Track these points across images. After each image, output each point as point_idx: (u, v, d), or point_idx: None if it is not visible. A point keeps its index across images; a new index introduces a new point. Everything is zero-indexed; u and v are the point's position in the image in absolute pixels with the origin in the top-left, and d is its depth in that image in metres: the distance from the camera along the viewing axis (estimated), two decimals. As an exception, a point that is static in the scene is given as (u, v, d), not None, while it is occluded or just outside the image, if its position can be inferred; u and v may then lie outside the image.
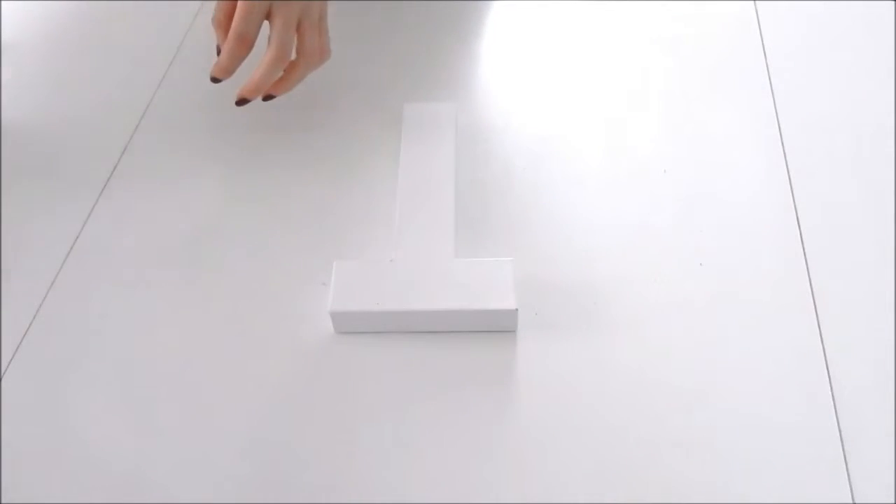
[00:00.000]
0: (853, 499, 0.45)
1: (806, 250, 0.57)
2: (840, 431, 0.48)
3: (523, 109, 0.69)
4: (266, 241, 0.61)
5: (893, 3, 0.76)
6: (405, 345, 0.53)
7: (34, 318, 0.57)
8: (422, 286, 0.54)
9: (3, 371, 0.54)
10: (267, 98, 0.61)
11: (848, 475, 0.46)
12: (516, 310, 0.52)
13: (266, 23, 0.59)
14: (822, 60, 0.72)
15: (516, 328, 0.53)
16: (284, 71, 0.60)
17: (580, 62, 0.73)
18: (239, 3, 0.58)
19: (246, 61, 0.60)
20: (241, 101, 0.60)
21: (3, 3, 0.86)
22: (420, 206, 0.59)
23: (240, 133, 0.70)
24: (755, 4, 0.78)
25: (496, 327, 0.53)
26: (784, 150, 0.64)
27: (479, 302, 0.52)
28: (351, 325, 0.54)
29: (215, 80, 0.60)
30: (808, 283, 0.55)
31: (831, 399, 0.49)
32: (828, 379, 0.50)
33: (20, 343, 0.56)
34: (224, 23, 0.60)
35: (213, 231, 0.62)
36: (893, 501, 0.45)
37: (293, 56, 0.60)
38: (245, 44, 0.58)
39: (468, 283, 0.53)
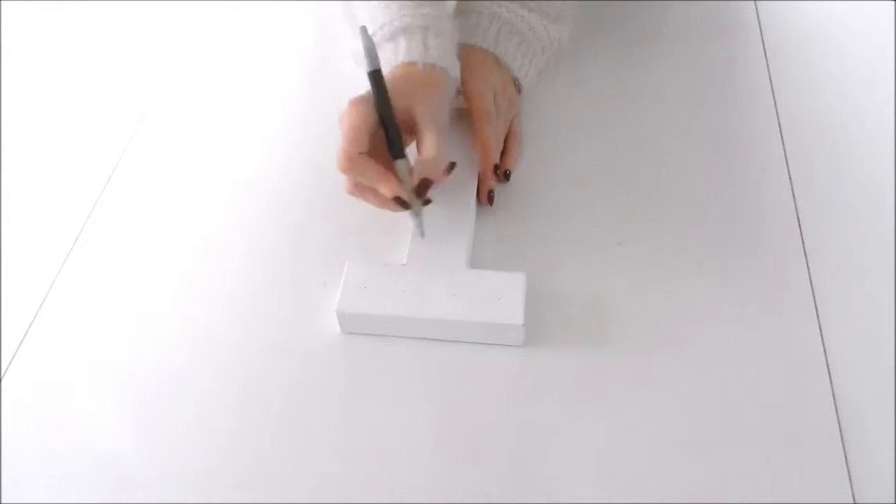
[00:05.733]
0: (853, 499, 0.45)
1: (806, 250, 0.57)
2: (840, 431, 0.48)
3: (532, 114, 0.69)
4: (280, 241, 0.61)
5: (893, 3, 0.76)
6: (411, 349, 0.53)
7: (34, 318, 0.57)
8: (431, 294, 0.53)
9: (3, 371, 0.54)
10: (507, 177, 0.62)
11: (848, 475, 0.46)
12: (523, 325, 0.52)
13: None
14: (822, 60, 0.72)
15: (522, 343, 0.53)
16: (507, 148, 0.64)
17: (580, 63, 0.72)
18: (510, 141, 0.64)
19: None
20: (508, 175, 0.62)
21: (2, 2, 0.86)
22: (438, 214, 0.58)
23: (244, 133, 0.70)
24: (755, 4, 0.78)
25: (502, 340, 0.53)
26: (784, 150, 0.64)
27: (486, 314, 0.52)
28: (357, 326, 0.54)
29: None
30: (809, 283, 0.55)
31: (831, 399, 0.49)
32: (828, 379, 0.50)
33: (20, 343, 0.56)
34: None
35: (215, 231, 0.62)
36: (893, 501, 0.45)
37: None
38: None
39: (478, 294, 0.53)
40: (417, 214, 0.54)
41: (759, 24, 0.76)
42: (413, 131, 0.55)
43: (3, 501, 0.48)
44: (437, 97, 0.57)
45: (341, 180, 0.54)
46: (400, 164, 0.54)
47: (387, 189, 0.52)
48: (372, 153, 0.53)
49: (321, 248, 0.60)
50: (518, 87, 0.66)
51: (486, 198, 0.60)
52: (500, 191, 0.62)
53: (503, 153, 0.63)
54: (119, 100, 0.74)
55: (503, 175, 0.62)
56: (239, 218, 0.63)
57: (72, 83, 0.77)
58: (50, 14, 0.86)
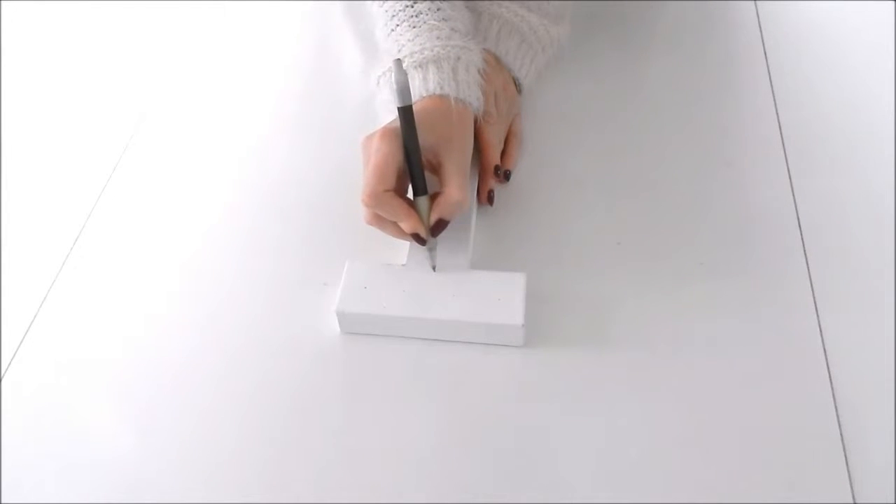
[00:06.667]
0: (853, 499, 0.45)
1: (806, 250, 0.57)
2: (840, 431, 0.48)
3: (532, 114, 0.69)
4: (280, 241, 0.61)
5: (893, 3, 0.76)
6: (411, 349, 0.53)
7: (34, 318, 0.57)
8: (431, 294, 0.53)
9: (3, 371, 0.54)
10: (507, 177, 0.62)
11: (848, 475, 0.46)
12: (523, 325, 0.52)
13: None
14: (822, 60, 0.72)
15: (522, 343, 0.53)
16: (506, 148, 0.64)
17: (580, 63, 0.72)
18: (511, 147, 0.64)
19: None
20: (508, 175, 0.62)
21: (2, 2, 0.86)
22: None
23: (244, 133, 0.70)
24: (755, 4, 0.78)
25: (502, 341, 0.53)
26: (784, 150, 0.64)
27: (486, 315, 0.52)
28: (356, 326, 0.54)
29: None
30: (809, 283, 0.55)
31: (832, 399, 0.49)
32: (828, 379, 0.50)
33: (20, 343, 0.56)
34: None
35: (215, 231, 0.62)
36: (893, 501, 0.45)
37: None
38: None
39: (478, 294, 0.53)
40: (432, 249, 0.55)
41: (759, 23, 0.76)
42: (435, 168, 0.55)
43: (3, 501, 0.48)
44: (464, 134, 0.56)
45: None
46: (421, 200, 0.54)
47: (408, 225, 0.53)
48: (395, 186, 0.53)
49: (321, 248, 0.60)
50: (518, 87, 0.66)
51: (486, 198, 0.60)
52: (500, 191, 0.62)
53: (503, 153, 0.63)
54: (119, 100, 0.74)
55: (503, 175, 0.62)
56: (239, 218, 0.63)
57: (72, 83, 0.77)
58: (50, 14, 0.86)
